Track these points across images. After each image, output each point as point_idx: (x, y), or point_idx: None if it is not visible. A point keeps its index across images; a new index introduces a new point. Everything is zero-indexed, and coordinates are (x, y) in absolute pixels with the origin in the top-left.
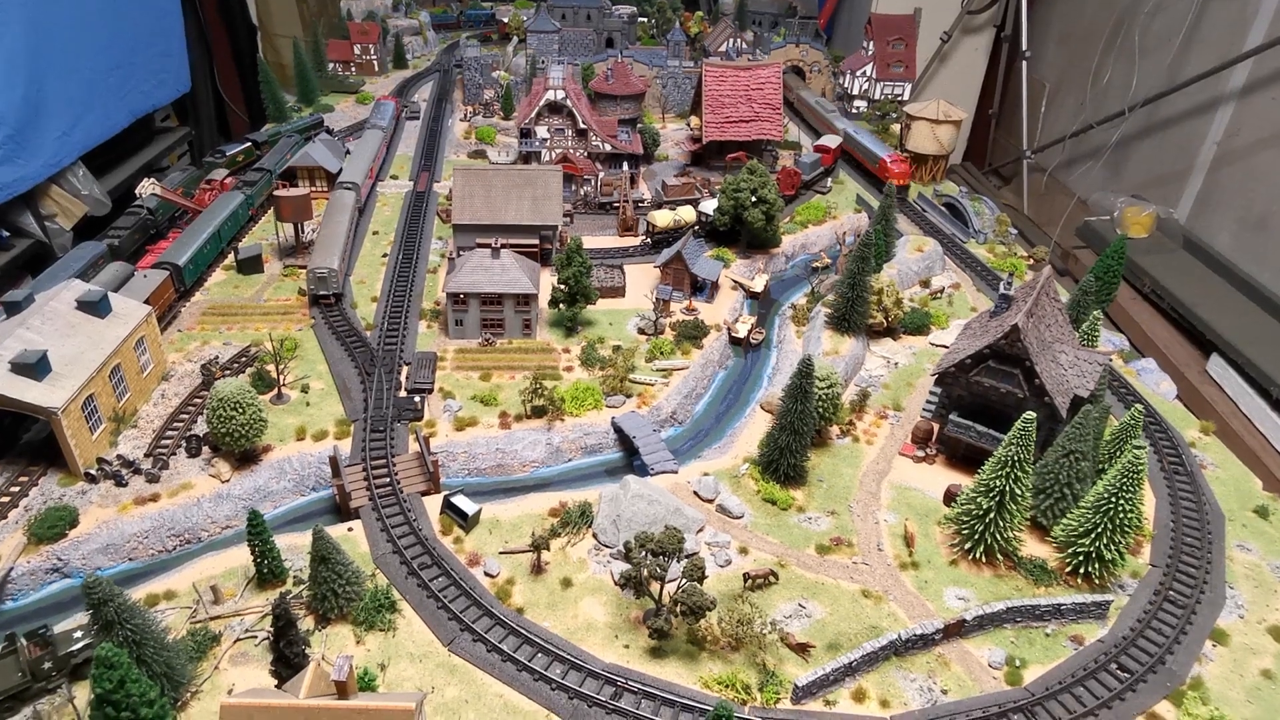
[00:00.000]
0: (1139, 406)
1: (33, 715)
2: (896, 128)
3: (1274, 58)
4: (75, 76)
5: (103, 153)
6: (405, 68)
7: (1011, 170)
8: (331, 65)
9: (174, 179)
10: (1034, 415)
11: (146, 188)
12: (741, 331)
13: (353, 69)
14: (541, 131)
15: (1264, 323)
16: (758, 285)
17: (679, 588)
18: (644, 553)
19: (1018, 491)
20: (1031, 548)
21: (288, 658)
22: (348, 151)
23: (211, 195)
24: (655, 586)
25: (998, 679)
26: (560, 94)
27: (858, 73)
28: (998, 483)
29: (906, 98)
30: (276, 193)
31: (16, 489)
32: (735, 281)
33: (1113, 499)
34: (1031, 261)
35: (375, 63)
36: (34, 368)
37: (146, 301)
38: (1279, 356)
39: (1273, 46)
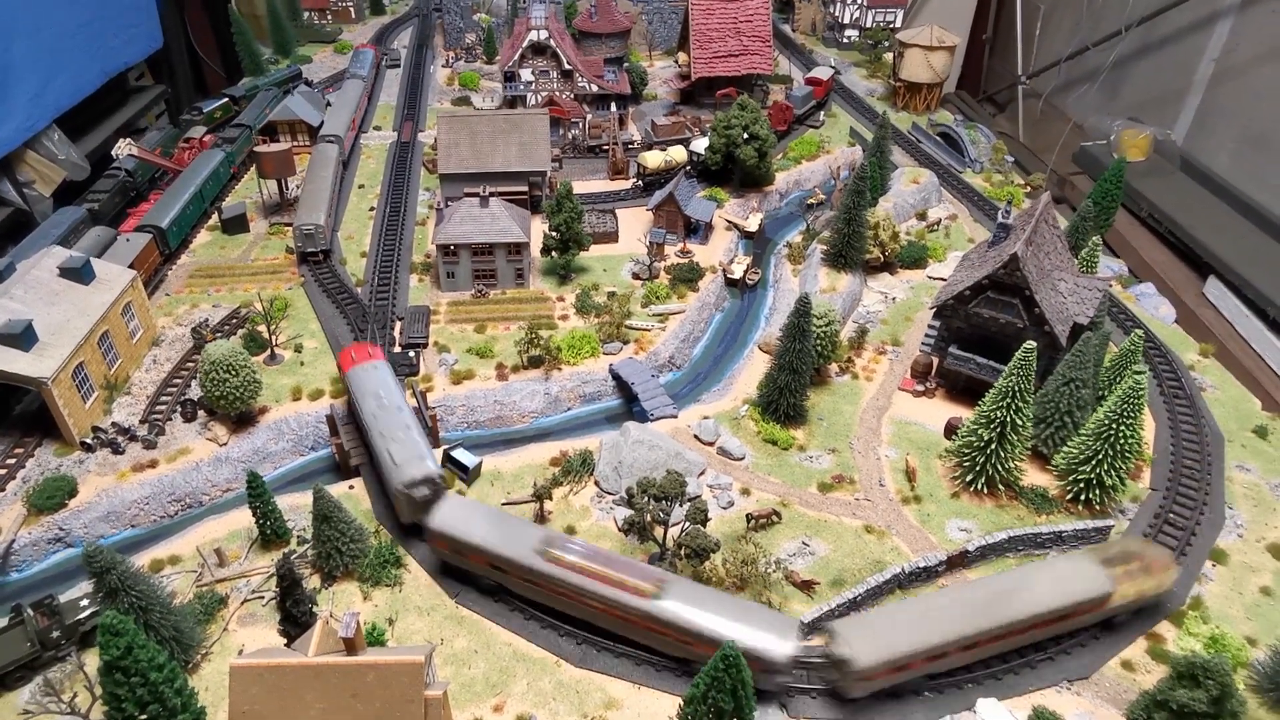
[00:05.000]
0: (1138, 331)
1: (44, 684)
2: (889, 57)
3: None
4: (43, 35)
5: (78, 115)
6: (383, 13)
7: (1006, 97)
8: (307, 14)
9: (151, 139)
10: (1034, 345)
11: (123, 148)
12: (737, 272)
13: (329, 17)
14: (526, 74)
15: (1262, 243)
16: (752, 224)
17: (682, 531)
18: (646, 498)
19: (1019, 422)
20: (1032, 477)
21: (295, 616)
22: (328, 103)
23: (191, 154)
24: (659, 531)
25: None
26: (543, 34)
27: (848, 0)
28: (998, 414)
29: (899, 25)
30: (258, 149)
31: (13, 461)
32: (729, 221)
33: (1113, 425)
34: (1029, 189)
35: (352, 9)
36: (20, 338)
37: (131, 266)
38: (1277, 277)
39: None
